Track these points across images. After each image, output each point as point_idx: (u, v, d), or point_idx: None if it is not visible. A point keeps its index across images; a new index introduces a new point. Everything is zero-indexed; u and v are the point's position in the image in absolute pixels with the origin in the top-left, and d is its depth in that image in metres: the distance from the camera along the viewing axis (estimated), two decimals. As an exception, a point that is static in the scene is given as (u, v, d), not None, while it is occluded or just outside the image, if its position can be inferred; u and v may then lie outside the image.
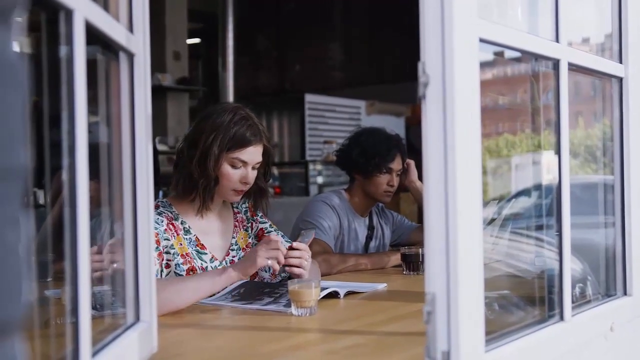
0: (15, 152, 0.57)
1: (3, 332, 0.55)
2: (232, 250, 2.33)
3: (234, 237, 2.35)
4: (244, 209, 2.43)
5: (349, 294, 2.17)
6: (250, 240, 2.39)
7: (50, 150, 1.06)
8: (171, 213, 2.23)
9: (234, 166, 2.21)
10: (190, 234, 2.23)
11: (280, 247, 2.07)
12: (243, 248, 2.36)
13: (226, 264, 2.27)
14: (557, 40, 1.54)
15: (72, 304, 1.02)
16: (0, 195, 0.55)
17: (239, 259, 2.30)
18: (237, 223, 2.39)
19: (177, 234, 2.20)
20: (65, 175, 1.02)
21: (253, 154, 2.22)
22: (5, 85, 0.55)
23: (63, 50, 1.03)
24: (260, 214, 2.46)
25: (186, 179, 2.21)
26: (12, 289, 0.56)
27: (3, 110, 0.55)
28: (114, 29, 1.24)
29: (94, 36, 1.14)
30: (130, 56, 1.36)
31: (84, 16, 1.04)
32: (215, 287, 2.06)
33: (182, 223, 2.23)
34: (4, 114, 0.55)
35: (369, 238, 3.14)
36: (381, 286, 2.36)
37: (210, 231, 2.30)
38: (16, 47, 0.58)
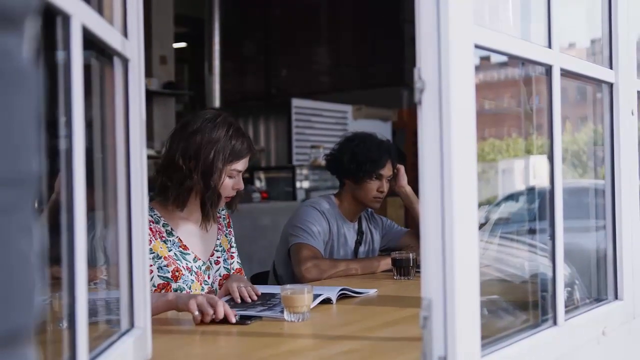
0: (28, 159, 0.56)
1: (17, 339, 0.55)
2: (217, 251, 2.41)
3: (218, 239, 2.42)
4: (223, 216, 2.50)
5: (341, 297, 2.18)
6: (229, 245, 2.48)
7: (46, 155, 1.05)
8: (152, 217, 2.25)
9: (230, 177, 2.29)
10: (173, 235, 2.28)
11: (218, 310, 1.82)
12: (227, 250, 2.44)
13: (210, 263, 2.35)
14: (549, 46, 1.55)
15: (69, 310, 1.01)
16: (13, 202, 0.54)
17: (223, 260, 2.40)
18: (220, 226, 2.46)
19: (156, 238, 2.23)
20: (62, 180, 1.02)
21: (246, 162, 2.33)
22: (18, 92, 0.55)
23: (60, 55, 1.03)
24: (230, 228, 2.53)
25: (186, 192, 2.26)
26: (25, 296, 0.56)
27: (16, 117, 0.54)
28: (109, 34, 1.23)
29: (89, 41, 1.13)
30: (125, 61, 1.36)
31: (81, 21, 1.04)
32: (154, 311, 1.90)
33: (164, 226, 2.28)
34: (16, 121, 0.54)
35: (358, 243, 3.14)
36: (372, 291, 2.36)
37: (195, 233, 2.35)
38: (28, 54, 0.58)
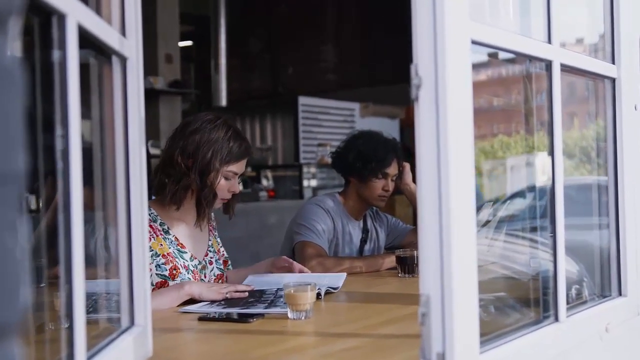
0: (13, 156, 0.57)
1: (2, 335, 0.55)
2: (210, 251, 2.46)
3: (210, 240, 2.48)
4: (212, 218, 2.55)
5: (326, 293, 2.19)
6: (219, 247, 2.52)
7: (43, 154, 1.06)
8: (149, 215, 2.28)
9: (226, 178, 2.32)
10: (170, 234, 2.32)
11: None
12: (217, 251, 2.49)
13: (205, 263, 2.40)
14: (549, 41, 1.55)
15: (67, 308, 1.02)
16: (-1, 199, 0.55)
17: (215, 260, 2.45)
18: (211, 228, 2.51)
19: (157, 235, 2.28)
20: (59, 180, 1.02)
21: (243, 165, 2.37)
22: (3, 91, 0.55)
23: (56, 55, 1.03)
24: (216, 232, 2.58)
25: (183, 190, 2.29)
26: (10, 292, 0.56)
27: (1, 115, 0.55)
28: (106, 33, 1.23)
29: (87, 40, 1.13)
30: (123, 60, 1.36)
31: (76, 20, 1.04)
32: (174, 304, 2.09)
33: (160, 224, 2.32)
34: (2, 119, 0.55)
35: (363, 241, 3.13)
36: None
37: (189, 234, 2.39)
38: (13, 52, 0.58)
